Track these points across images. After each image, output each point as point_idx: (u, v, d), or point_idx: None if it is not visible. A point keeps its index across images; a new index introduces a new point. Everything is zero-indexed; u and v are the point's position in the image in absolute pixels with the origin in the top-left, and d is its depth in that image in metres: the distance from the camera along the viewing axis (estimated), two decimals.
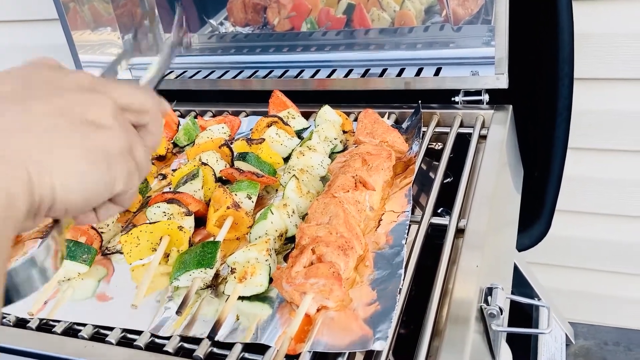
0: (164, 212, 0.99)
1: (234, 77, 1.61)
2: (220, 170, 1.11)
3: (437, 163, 1.29)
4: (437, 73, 1.43)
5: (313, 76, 1.53)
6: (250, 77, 1.60)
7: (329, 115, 1.23)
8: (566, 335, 1.41)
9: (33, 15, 1.92)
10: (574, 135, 1.49)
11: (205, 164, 1.11)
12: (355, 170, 1.00)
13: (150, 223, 0.95)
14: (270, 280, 0.85)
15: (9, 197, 0.41)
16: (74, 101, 0.47)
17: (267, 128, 1.23)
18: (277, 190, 1.12)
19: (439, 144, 1.30)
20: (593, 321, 1.73)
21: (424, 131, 1.21)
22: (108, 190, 0.49)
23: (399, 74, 1.45)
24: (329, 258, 0.83)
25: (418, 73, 1.44)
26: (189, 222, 1.00)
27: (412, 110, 1.34)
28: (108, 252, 1.02)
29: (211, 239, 1.00)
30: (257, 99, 1.56)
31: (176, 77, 1.66)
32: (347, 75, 1.51)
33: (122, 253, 1.01)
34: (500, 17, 1.24)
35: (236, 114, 1.49)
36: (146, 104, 0.53)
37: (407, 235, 0.91)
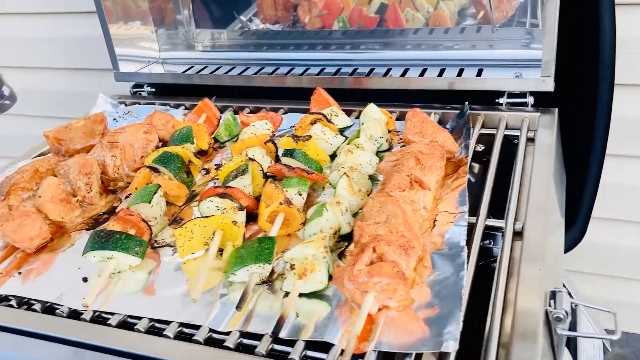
0: (217, 207, 0.98)
1: (270, 73, 1.60)
2: (269, 166, 1.10)
3: (475, 164, 1.29)
4: (478, 74, 1.41)
5: (351, 74, 1.52)
6: (286, 74, 1.58)
7: (374, 114, 1.22)
8: (603, 342, 1.39)
9: (73, 7, 1.92)
10: (614, 142, 1.48)
11: (252, 160, 1.10)
12: (410, 170, 0.98)
13: (204, 217, 0.94)
14: (330, 277, 0.84)
15: None
16: None
17: (312, 125, 1.22)
18: (323, 188, 1.11)
19: (481, 145, 1.29)
20: (629, 329, 1.72)
21: None
22: None
23: (440, 74, 1.44)
24: (390, 257, 0.82)
25: (459, 74, 1.43)
26: (242, 217, 0.99)
27: (455, 111, 1.33)
28: (157, 246, 1.01)
29: (261, 234, 0.99)
30: (292, 96, 1.55)
31: (211, 73, 1.65)
32: (385, 74, 1.50)
33: (171, 246, 1.00)
34: (549, 20, 1.23)
35: (274, 110, 1.48)
36: None
37: (467, 236, 0.90)
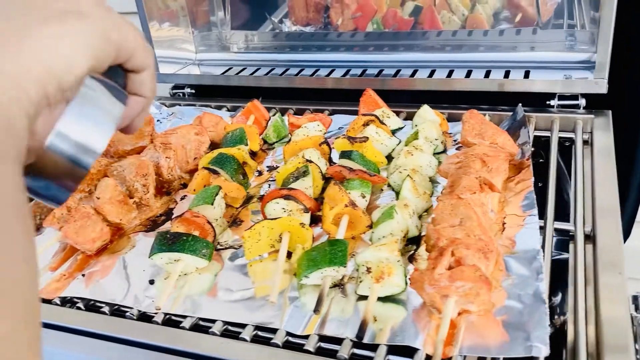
0: (283, 209, 0.97)
1: (311, 75, 1.59)
2: (328, 168, 1.09)
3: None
4: (526, 76, 1.40)
5: (395, 75, 1.51)
6: (327, 75, 1.58)
7: (429, 115, 1.21)
8: None
9: (118, 8, 1.91)
10: None
11: (310, 162, 1.09)
12: (477, 172, 0.97)
13: (271, 219, 0.93)
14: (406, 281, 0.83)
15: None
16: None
17: (364, 127, 1.21)
18: (381, 190, 1.10)
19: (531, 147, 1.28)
20: None
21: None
22: (100, 37, 0.46)
23: (486, 76, 1.43)
24: (469, 261, 0.81)
25: (506, 75, 1.42)
26: (307, 219, 0.98)
27: (504, 113, 1.32)
28: (220, 247, 1.00)
29: (323, 237, 0.98)
30: (334, 97, 1.54)
31: (250, 74, 1.64)
32: (430, 75, 1.49)
33: (235, 248, 0.99)
34: (606, 22, 1.22)
35: (318, 112, 1.47)
36: (130, 44, 0.52)
37: (541, 239, 0.89)
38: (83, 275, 0.97)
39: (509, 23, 1.58)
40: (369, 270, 0.83)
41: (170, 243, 0.91)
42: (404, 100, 1.46)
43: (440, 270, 0.79)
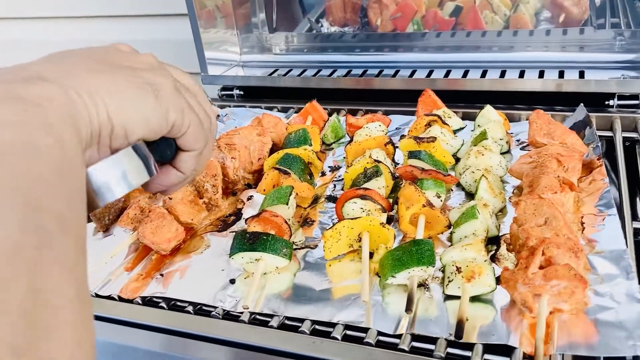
0: (362, 208, 0.97)
1: (361, 75, 1.60)
2: (398, 168, 1.09)
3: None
4: (581, 76, 1.40)
5: (446, 75, 1.51)
6: (377, 75, 1.58)
7: (492, 115, 1.21)
8: None
9: (163, 9, 1.93)
10: None
11: (379, 162, 1.09)
12: (555, 171, 0.97)
13: (352, 218, 0.93)
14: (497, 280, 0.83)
15: (74, 121, 0.44)
16: (140, 69, 0.53)
17: (427, 127, 1.21)
18: (451, 190, 1.10)
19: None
20: None
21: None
22: (161, 115, 0.52)
23: (540, 76, 1.43)
24: (560, 260, 0.81)
25: (560, 75, 1.42)
26: (384, 219, 0.98)
27: (563, 113, 1.32)
28: (296, 247, 1.00)
29: (397, 237, 0.99)
30: (385, 98, 1.55)
31: (298, 75, 1.65)
32: (482, 76, 1.49)
33: (311, 248, 0.99)
34: None
35: (371, 112, 1.47)
36: (194, 86, 0.60)
37: (626, 239, 0.88)
38: (162, 275, 0.98)
39: (550, 23, 1.58)
40: (458, 270, 0.83)
41: (251, 242, 0.91)
42: (458, 100, 1.46)
43: (533, 270, 0.79)
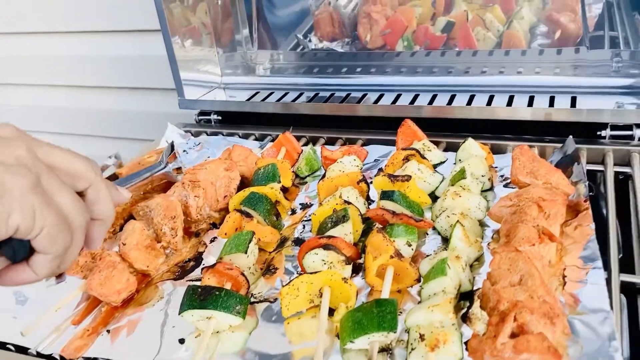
0: (323, 260, 0.90)
1: (342, 101, 1.52)
2: (368, 210, 1.01)
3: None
4: (572, 104, 1.32)
5: (431, 102, 1.43)
6: (359, 102, 1.50)
7: (474, 150, 1.13)
8: None
9: (137, 25, 1.87)
10: None
11: (349, 202, 1.01)
12: (535, 219, 0.89)
13: (311, 273, 0.86)
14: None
15: None
16: None
17: (405, 162, 1.13)
18: (426, 234, 1.02)
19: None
20: None
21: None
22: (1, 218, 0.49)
23: (530, 104, 1.35)
24: (533, 327, 0.73)
25: (551, 103, 1.34)
26: (348, 272, 0.91)
27: (552, 144, 1.24)
28: (255, 301, 0.93)
29: (365, 289, 0.91)
30: (368, 125, 1.47)
31: (277, 100, 1.58)
32: (470, 100, 1.41)
33: (270, 302, 0.92)
34: None
35: (351, 142, 1.40)
36: (79, 170, 0.57)
37: (611, 298, 0.80)
38: (108, 331, 0.91)
39: (546, 38, 1.50)
40: (422, 337, 0.75)
41: (202, 299, 0.84)
42: (443, 128, 1.38)
43: (502, 339, 0.71)
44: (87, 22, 1.94)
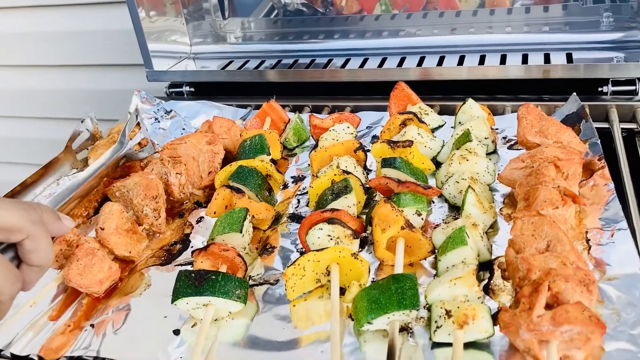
0: (329, 235, 0.81)
1: (324, 66, 1.43)
2: (370, 180, 0.94)
3: None
4: (569, 59, 1.26)
5: (420, 63, 1.35)
6: (343, 65, 1.41)
7: (475, 111, 1.06)
8: None
9: None
10: None
11: (348, 173, 0.93)
12: (554, 181, 0.83)
13: (317, 250, 0.78)
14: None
15: None
16: None
17: (402, 127, 1.06)
18: (432, 202, 0.95)
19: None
20: None
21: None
22: None
23: (524, 61, 1.28)
24: (569, 296, 0.66)
25: (547, 60, 1.27)
26: (356, 246, 0.83)
27: (551, 103, 1.18)
28: (253, 283, 0.84)
29: (372, 265, 0.84)
30: (353, 89, 1.38)
31: (255, 68, 1.47)
32: (460, 63, 1.33)
33: (271, 284, 0.84)
34: None
35: (339, 109, 1.31)
36: (12, 222, 0.54)
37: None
38: (92, 325, 0.81)
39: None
40: (448, 314, 0.68)
41: (198, 285, 0.75)
42: (432, 91, 1.31)
43: (538, 312, 0.65)
44: None
